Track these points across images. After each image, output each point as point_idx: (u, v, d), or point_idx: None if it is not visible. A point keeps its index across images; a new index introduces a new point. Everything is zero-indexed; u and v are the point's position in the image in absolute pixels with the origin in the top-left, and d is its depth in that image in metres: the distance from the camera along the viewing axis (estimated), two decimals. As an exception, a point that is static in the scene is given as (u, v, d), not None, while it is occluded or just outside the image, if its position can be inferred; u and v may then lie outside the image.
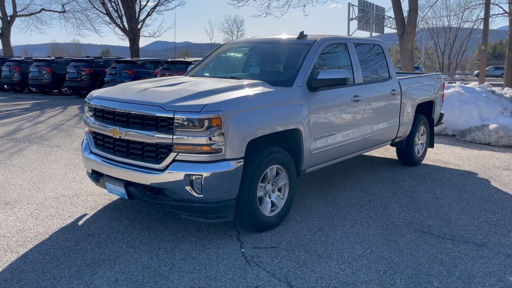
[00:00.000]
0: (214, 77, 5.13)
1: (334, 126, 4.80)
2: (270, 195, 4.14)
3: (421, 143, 6.90)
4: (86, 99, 4.44)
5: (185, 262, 3.45)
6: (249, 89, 4.11)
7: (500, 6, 17.71)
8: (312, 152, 4.52)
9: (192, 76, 5.29)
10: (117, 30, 28.15)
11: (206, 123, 3.49)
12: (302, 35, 5.08)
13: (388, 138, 6.05)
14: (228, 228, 4.11)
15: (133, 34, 27.39)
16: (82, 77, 18.03)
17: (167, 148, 3.62)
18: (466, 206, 4.97)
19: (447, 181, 5.98)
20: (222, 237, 3.92)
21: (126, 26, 27.57)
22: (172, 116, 3.54)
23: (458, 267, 3.48)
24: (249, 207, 3.82)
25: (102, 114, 4.11)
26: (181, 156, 3.57)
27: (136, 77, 15.75)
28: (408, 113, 6.27)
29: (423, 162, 6.99)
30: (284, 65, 5.06)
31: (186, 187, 3.55)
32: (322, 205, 4.85)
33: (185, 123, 3.51)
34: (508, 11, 15.38)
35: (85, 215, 4.45)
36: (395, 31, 17.05)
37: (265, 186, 4.06)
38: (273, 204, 4.16)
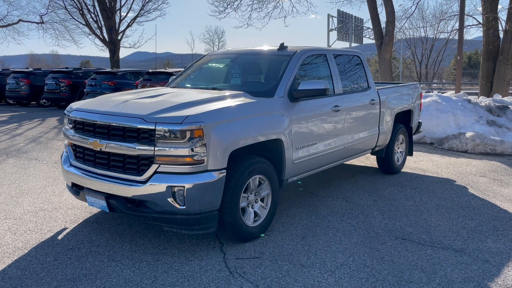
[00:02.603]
0: (195, 88, 5.15)
1: (315, 136, 4.86)
2: (253, 205, 4.15)
3: (400, 152, 7.03)
4: (65, 111, 4.39)
5: (167, 275, 3.42)
6: (231, 100, 4.14)
7: (474, 18, 18.30)
8: (294, 161, 4.56)
9: (174, 87, 5.30)
10: (97, 41, 27.96)
11: (188, 135, 3.49)
12: (282, 47, 5.14)
13: (368, 147, 6.14)
14: (211, 240, 4.10)
15: (113, 45, 27.24)
16: (61, 89, 17.77)
17: (149, 160, 3.60)
18: (444, 213, 5.07)
19: (426, 188, 6.09)
20: (205, 249, 3.91)
21: (106, 37, 27.41)
22: (153, 127, 3.53)
23: (438, 273, 3.54)
24: (232, 218, 3.82)
25: (82, 127, 4.07)
26: (163, 168, 3.56)
27: (117, 88, 15.64)
28: (387, 122, 6.39)
29: (403, 170, 7.11)
30: (265, 76, 5.11)
31: (168, 199, 3.53)
32: (305, 215, 4.88)
33: (167, 134, 3.51)
34: (482, 22, 15.88)
35: (65, 229, 4.38)
36: (374, 41, 17.39)
37: (248, 196, 4.07)
38: (256, 214, 4.17)
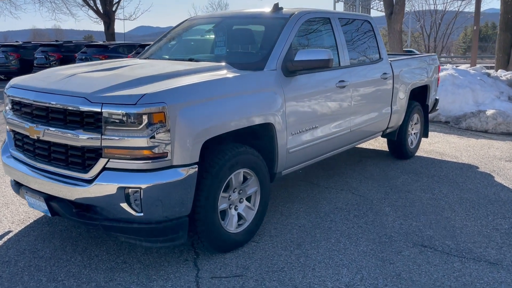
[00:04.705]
0: (170, 59, 4.25)
1: (316, 118, 3.98)
2: (236, 206, 3.32)
3: (414, 133, 6.15)
4: (5, 89, 3.54)
5: (118, 304, 2.63)
6: (207, 74, 3.25)
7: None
8: (289, 150, 3.70)
9: (145, 58, 4.40)
10: (91, 12, 26.75)
11: (144, 119, 2.64)
12: (276, 8, 4.21)
13: (378, 129, 5.26)
14: (184, 250, 3.28)
15: (107, 17, 26.02)
16: (51, 63, 16.85)
17: (96, 153, 2.76)
18: (470, 209, 4.23)
19: (445, 177, 5.24)
20: (174, 262, 3.10)
21: (100, 8, 26.17)
22: (99, 110, 2.67)
23: (471, 298, 2.74)
24: (208, 225, 3.00)
25: (19, 108, 3.22)
26: (114, 163, 2.72)
27: (108, 62, 14.71)
28: (400, 100, 5.48)
29: (417, 154, 6.24)
30: (255, 44, 4.18)
31: (121, 204, 2.70)
32: (303, 212, 4.06)
33: (117, 119, 2.65)
34: (499, -11, 14.65)
35: (8, 232, 3.58)
36: (382, 13, 16.25)
37: (230, 196, 3.24)
38: (240, 217, 3.35)
